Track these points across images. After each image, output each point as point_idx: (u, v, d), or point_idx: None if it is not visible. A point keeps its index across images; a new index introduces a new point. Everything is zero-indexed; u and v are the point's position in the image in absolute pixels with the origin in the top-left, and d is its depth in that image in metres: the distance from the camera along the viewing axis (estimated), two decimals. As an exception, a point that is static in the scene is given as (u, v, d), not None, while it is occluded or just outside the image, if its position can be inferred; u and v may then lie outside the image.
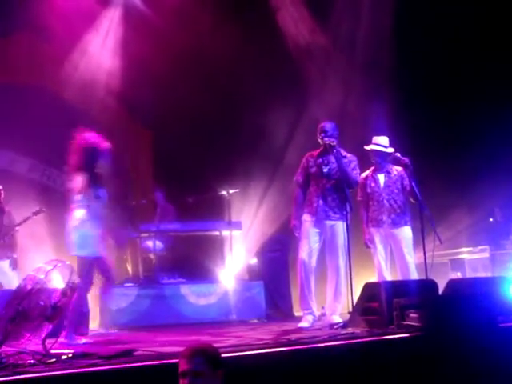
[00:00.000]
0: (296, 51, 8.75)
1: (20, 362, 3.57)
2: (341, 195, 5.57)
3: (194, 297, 6.77)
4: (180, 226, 7.53)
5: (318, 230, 5.58)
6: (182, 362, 2.88)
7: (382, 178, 6.02)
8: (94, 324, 6.38)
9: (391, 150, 6.00)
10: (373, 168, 6.11)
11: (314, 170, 5.71)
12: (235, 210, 7.67)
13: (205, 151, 8.42)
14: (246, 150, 8.09)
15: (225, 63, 8.29)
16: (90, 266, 5.00)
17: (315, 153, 5.79)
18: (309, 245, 5.55)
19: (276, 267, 7.29)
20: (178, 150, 8.28)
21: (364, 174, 6.08)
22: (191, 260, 7.69)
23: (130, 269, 7.64)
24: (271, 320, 6.68)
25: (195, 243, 7.74)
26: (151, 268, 7.47)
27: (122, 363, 3.57)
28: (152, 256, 7.50)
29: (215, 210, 7.69)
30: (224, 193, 7.33)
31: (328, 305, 5.61)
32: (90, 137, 5.11)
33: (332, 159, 5.65)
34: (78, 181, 4.96)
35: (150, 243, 7.47)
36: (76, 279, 4.40)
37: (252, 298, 6.96)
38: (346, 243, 5.42)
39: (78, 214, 4.95)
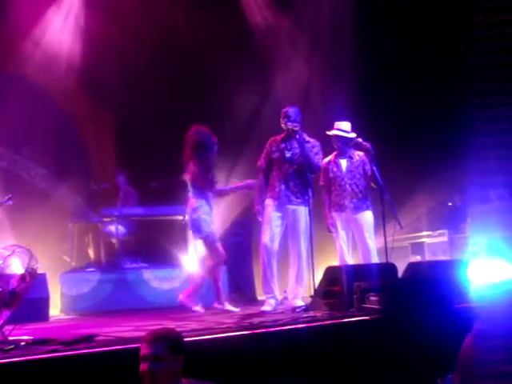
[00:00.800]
0: (260, 35, 8.71)
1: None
2: (303, 180, 5.61)
3: (156, 282, 6.74)
4: (143, 211, 7.47)
5: (280, 215, 5.61)
6: (143, 347, 2.88)
7: (344, 163, 6.08)
8: (55, 310, 6.31)
9: (353, 135, 6.05)
10: (335, 153, 6.15)
11: (276, 155, 5.73)
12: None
13: (169, 136, 8.33)
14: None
15: (189, 46, 8.22)
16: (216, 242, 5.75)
17: (278, 138, 5.80)
18: (271, 229, 5.58)
19: (239, 252, 7.30)
20: (141, 134, 8.19)
21: (326, 159, 6.13)
22: (154, 245, 7.64)
23: (91, 254, 7.55)
24: (234, 304, 6.70)
25: (158, 228, 7.69)
26: (113, 253, 7.40)
27: (82, 349, 3.56)
28: (114, 241, 7.43)
29: (179, 195, 7.64)
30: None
31: (290, 289, 5.66)
32: (203, 131, 5.76)
33: (295, 144, 5.68)
34: (194, 171, 5.62)
35: (112, 228, 7.39)
36: (35, 265, 4.36)
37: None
38: (308, 228, 5.47)
39: (197, 202, 5.64)
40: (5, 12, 7.62)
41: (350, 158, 6.08)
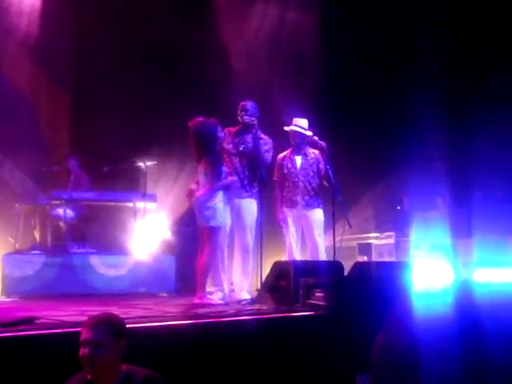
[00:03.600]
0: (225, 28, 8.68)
1: None
2: (252, 173, 5.64)
3: (103, 267, 6.65)
4: (93, 195, 7.34)
5: (228, 207, 5.64)
6: (84, 331, 2.86)
7: (299, 159, 6.14)
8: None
9: (310, 133, 6.12)
10: (290, 149, 6.21)
11: (230, 146, 5.76)
12: (152, 182, 7.58)
13: (124, 120, 8.23)
14: (167, 121, 7.98)
15: (152, 24, 8.12)
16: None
17: (233, 129, 5.83)
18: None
19: (188, 242, 7.28)
20: (96, 117, 8.06)
21: (282, 155, 6.18)
22: (103, 230, 7.54)
23: (37, 236, 7.39)
24: (180, 294, 6.69)
25: (108, 214, 7.60)
26: (60, 236, 7.26)
27: (22, 331, 3.49)
28: (62, 224, 7.30)
29: (131, 182, 7.57)
30: (141, 164, 7.22)
31: (236, 281, 5.69)
32: (205, 122, 5.46)
33: (248, 138, 5.73)
34: (210, 163, 5.36)
35: (60, 211, 7.26)
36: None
37: (162, 272, 6.92)
38: (256, 221, 5.51)
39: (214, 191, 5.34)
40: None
41: (305, 155, 6.14)
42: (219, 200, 5.36)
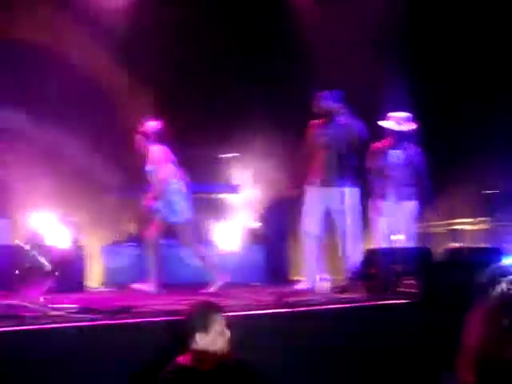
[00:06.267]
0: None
1: (25, 313, 3.66)
2: (343, 163, 5.62)
3: (192, 258, 6.83)
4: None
5: (323, 197, 5.63)
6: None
7: (395, 152, 6.09)
8: (95, 282, 6.49)
9: (409, 127, 6.04)
10: (386, 140, 6.15)
11: (319, 139, 5.74)
12: (236, 173, 7.69)
13: (209, 112, 8.33)
14: (252, 114, 8.00)
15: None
16: None
17: (319, 122, 5.82)
18: (314, 211, 5.62)
19: (276, 231, 7.36)
20: (182, 108, 8.15)
21: (377, 145, 6.15)
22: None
23: (131, 228, 7.68)
24: (270, 283, 6.76)
25: (197, 205, 7.77)
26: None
27: (123, 319, 3.67)
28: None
29: (215, 173, 7.70)
30: (225, 156, 7.36)
31: (329, 269, 5.70)
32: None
33: (334, 127, 5.69)
34: None
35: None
36: (78, 238, 4.50)
37: (251, 262, 7.03)
38: (354, 210, 5.53)
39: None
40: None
41: (401, 148, 6.08)
42: None
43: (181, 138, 6.94)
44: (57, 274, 4.06)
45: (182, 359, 2.91)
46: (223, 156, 7.36)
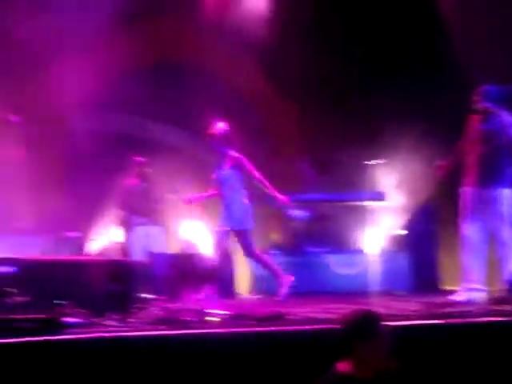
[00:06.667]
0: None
1: (183, 318, 3.86)
2: (499, 162, 5.32)
3: (338, 266, 6.81)
4: (325, 197, 7.57)
5: (479, 199, 5.31)
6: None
7: None
8: (243, 289, 6.68)
9: None
10: None
11: (475, 135, 5.48)
12: (380, 180, 7.57)
13: (347, 120, 8.30)
14: (393, 120, 7.86)
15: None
16: None
17: (477, 117, 5.54)
18: (473, 216, 5.34)
19: (422, 239, 7.14)
20: (320, 120, 8.22)
21: None
22: (336, 230, 7.71)
23: (275, 237, 7.82)
24: (417, 292, 6.56)
25: (340, 213, 7.74)
26: (295, 236, 7.60)
27: (274, 326, 3.75)
28: (295, 224, 7.63)
29: (359, 179, 7.63)
30: (370, 162, 7.30)
31: (487, 279, 5.37)
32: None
33: (492, 124, 5.40)
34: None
35: (295, 212, 7.59)
36: (229, 245, 4.67)
37: (396, 269, 6.88)
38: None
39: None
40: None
41: None
42: None
43: (327, 144, 7.02)
44: (212, 281, 4.25)
45: (342, 367, 2.91)
46: (369, 162, 7.29)
